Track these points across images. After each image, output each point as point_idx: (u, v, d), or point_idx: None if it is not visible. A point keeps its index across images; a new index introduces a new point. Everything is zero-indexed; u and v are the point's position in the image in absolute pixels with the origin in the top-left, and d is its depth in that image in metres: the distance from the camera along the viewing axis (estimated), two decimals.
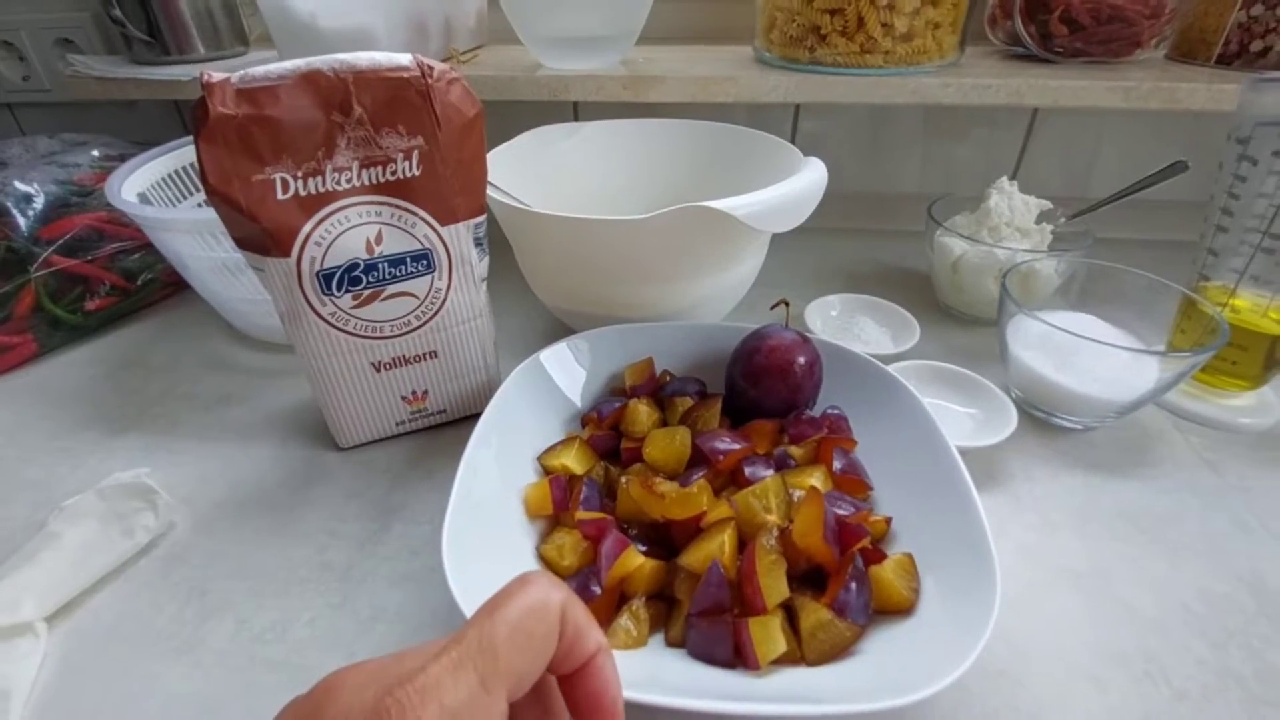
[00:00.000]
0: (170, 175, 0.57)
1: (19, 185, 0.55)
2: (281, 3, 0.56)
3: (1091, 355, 0.40)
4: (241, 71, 0.34)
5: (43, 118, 0.82)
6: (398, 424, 0.45)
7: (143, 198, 0.53)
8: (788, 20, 0.59)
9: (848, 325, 0.52)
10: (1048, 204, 0.56)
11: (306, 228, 0.36)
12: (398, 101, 0.36)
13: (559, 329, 0.55)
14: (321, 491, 0.41)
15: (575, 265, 0.45)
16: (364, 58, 0.36)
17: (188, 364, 0.54)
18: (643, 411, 0.38)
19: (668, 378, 0.42)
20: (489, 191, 0.42)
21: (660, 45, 0.72)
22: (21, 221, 0.54)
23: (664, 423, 0.39)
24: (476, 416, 0.36)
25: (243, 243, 0.37)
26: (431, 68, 0.37)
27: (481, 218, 0.41)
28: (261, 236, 0.36)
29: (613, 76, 0.60)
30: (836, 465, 0.34)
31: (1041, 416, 0.46)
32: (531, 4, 0.59)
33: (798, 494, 0.32)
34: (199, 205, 0.59)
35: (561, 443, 0.38)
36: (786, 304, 0.40)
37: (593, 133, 0.60)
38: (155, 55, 0.68)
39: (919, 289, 0.61)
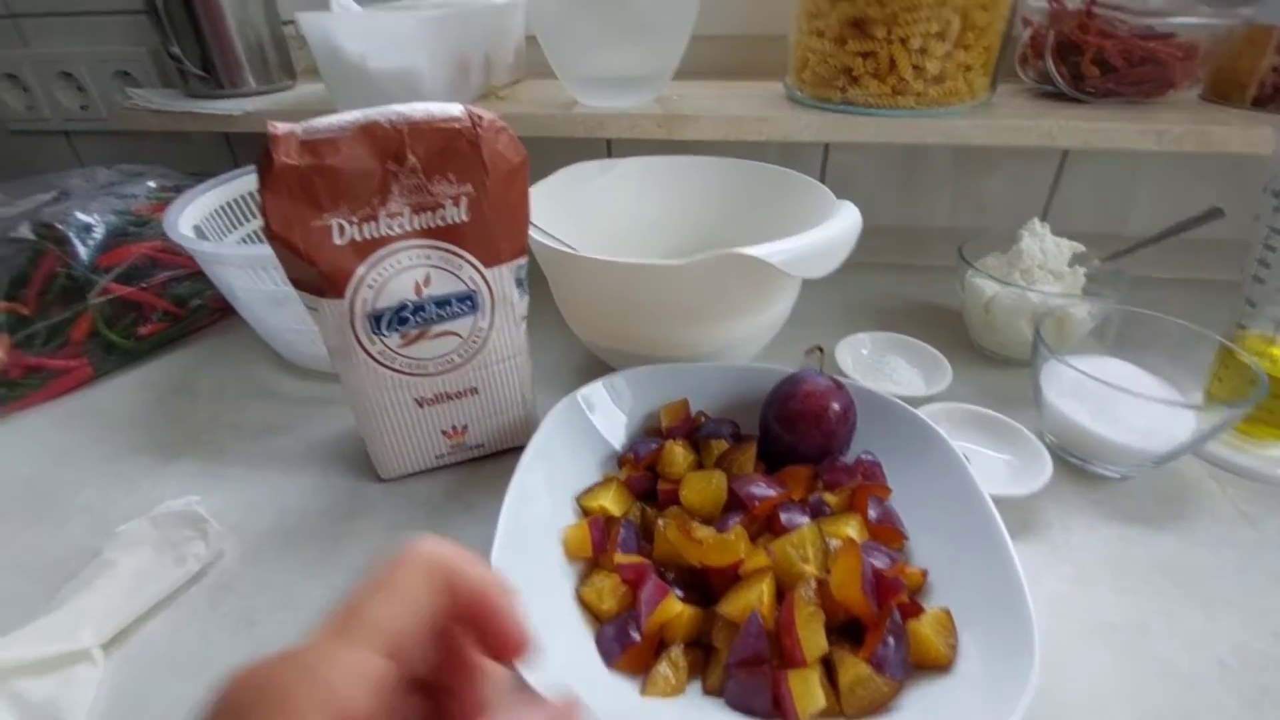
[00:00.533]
0: (222, 207, 0.59)
1: (81, 216, 0.58)
2: (333, 44, 0.59)
3: (1128, 405, 0.40)
4: (305, 124, 0.36)
5: (98, 145, 0.86)
6: (437, 457, 0.46)
7: (198, 230, 0.55)
8: (820, 61, 0.60)
9: (879, 365, 0.53)
10: (1080, 247, 0.56)
11: (360, 271, 0.38)
12: (449, 151, 0.38)
13: (593, 363, 0.56)
14: (364, 523, 0.43)
15: (613, 305, 0.46)
16: (419, 109, 0.38)
17: (234, 391, 0.56)
18: (678, 453, 0.39)
19: (703, 419, 0.43)
20: (530, 232, 0.43)
21: (692, 80, 0.73)
22: (82, 251, 0.57)
23: (699, 465, 0.40)
24: (513, 450, 0.37)
25: (299, 283, 0.38)
26: (481, 117, 0.39)
27: (523, 259, 0.42)
28: (318, 279, 0.37)
29: (648, 115, 0.62)
30: (872, 514, 0.35)
31: (1076, 463, 0.46)
32: (570, 45, 0.61)
33: (834, 543, 0.33)
34: (246, 237, 0.61)
35: (599, 484, 0.39)
36: (820, 350, 0.41)
37: (627, 169, 0.61)
38: (209, 89, 0.71)
39: (950, 327, 0.61)
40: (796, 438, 0.38)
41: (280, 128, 0.35)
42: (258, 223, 0.62)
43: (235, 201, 0.60)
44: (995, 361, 0.57)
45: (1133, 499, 0.44)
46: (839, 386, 0.39)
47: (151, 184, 0.63)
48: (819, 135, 0.60)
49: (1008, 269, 0.55)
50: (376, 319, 0.39)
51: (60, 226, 0.57)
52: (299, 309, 0.40)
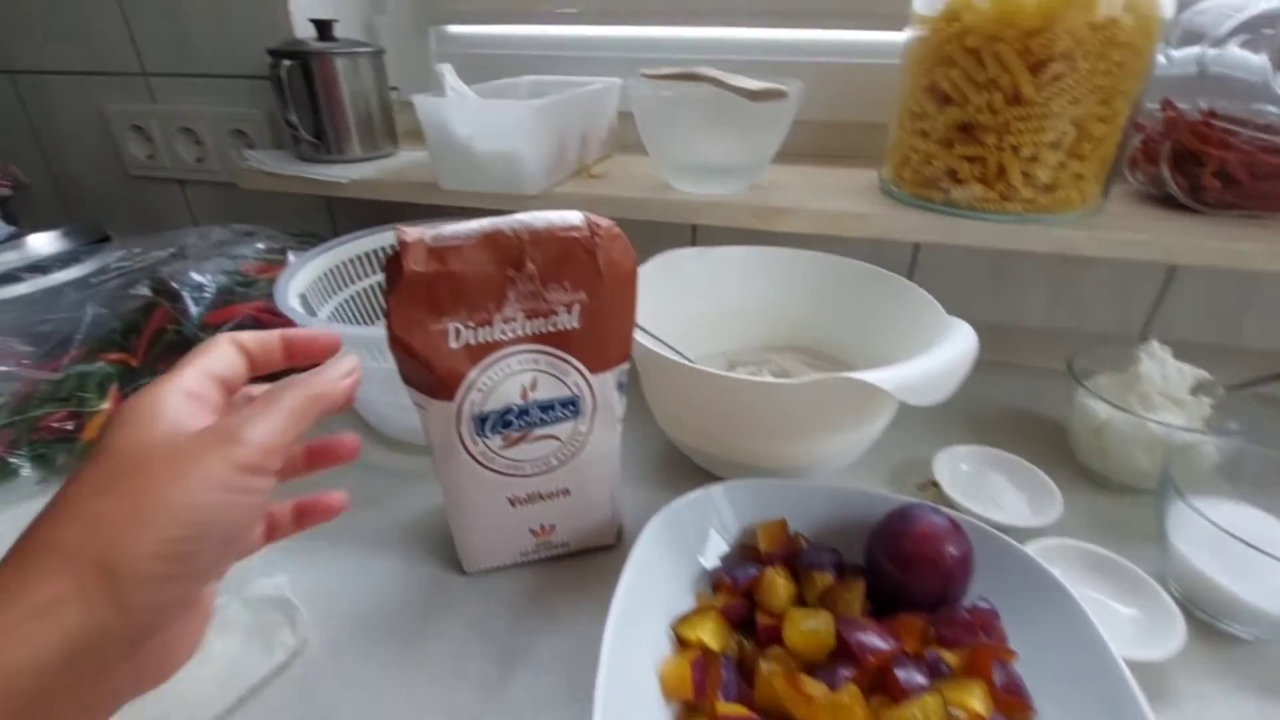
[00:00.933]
0: (324, 274, 0.61)
1: (194, 275, 0.60)
2: (443, 125, 0.61)
3: (1269, 562, 0.37)
4: (433, 230, 0.37)
5: (207, 194, 0.91)
6: (521, 554, 0.45)
7: (303, 298, 0.57)
8: (922, 161, 0.60)
9: (980, 485, 0.50)
10: (1205, 374, 0.52)
11: (472, 374, 0.38)
12: (566, 258, 0.38)
13: (673, 454, 0.55)
14: (446, 621, 0.42)
15: (710, 413, 0.45)
16: (540, 218, 0.38)
17: None
18: (780, 584, 0.37)
19: (801, 542, 0.41)
20: (635, 334, 0.43)
21: (782, 165, 0.73)
22: (193, 308, 0.59)
23: (800, 597, 0.38)
24: (595, 550, 0.38)
25: (411, 381, 0.39)
26: (599, 225, 0.39)
27: (627, 364, 0.42)
28: (431, 381, 0.37)
29: (743, 205, 0.62)
30: (996, 680, 0.32)
31: (1206, 620, 0.42)
32: (671, 134, 0.62)
33: (958, 714, 0.30)
34: (342, 304, 0.63)
35: (697, 612, 0.37)
36: (935, 484, 0.39)
37: (721, 257, 0.61)
38: (317, 154, 0.74)
39: (1052, 441, 0.58)
40: (909, 581, 0.36)
41: (410, 234, 0.36)
42: (353, 289, 0.64)
43: (335, 269, 0.62)
44: (1105, 487, 0.53)
45: (1272, 666, 0.40)
46: (957, 528, 0.37)
47: (260, 245, 0.66)
48: (920, 236, 0.59)
49: (1123, 392, 0.52)
50: (482, 421, 0.39)
51: (175, 284, 0.60)
52: (398, 386, 0.40)
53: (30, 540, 0.22)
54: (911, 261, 0.74)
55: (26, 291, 0.59)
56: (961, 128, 0.56)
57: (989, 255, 0.72)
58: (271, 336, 0.29)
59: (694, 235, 0.77)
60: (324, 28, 0.70)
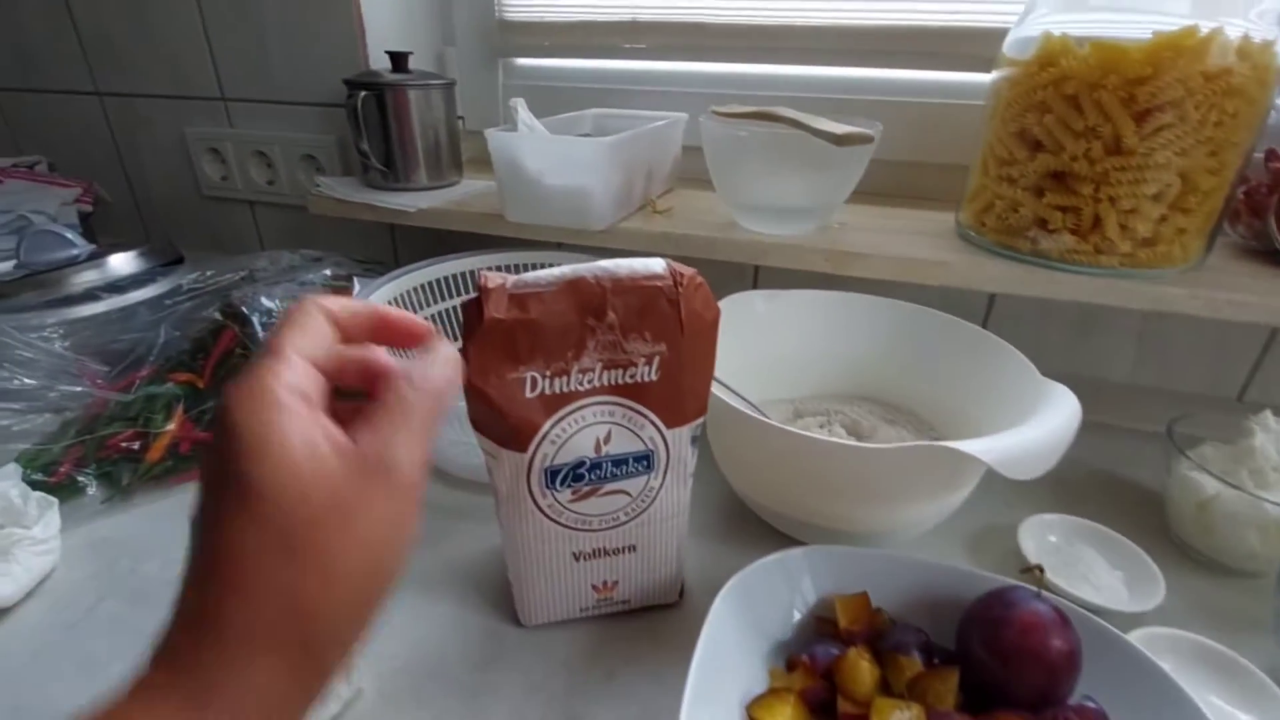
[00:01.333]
0: (389, 302, 0.61)
1: (264, 301, 0.61)
2: (514, 159, 0.61)
3: None
4: (515, 277, 0.36)
5: (275, 216, 0.93)
6: (581, 609, 0.43)
7: None
8: (1008, 208, 0.57)
9: (1071, 560, 0.47)
10: None
11: (546, 426, 0.36)
12: (648, 309, 0.36)
13: (738, 507, 0.53)
14: (503, 676, 0.40)
15: (782, 470, 0.43)
16: (623, 266, 0.37)
17: None
18: (864, 669, 0.35)
19: (884, 619, 0.38)
20: (715, 389, 0.41)
21: (853, 204, 0.71)
22: (260, 333, 0.60)
23: (885, 682, 0.35)
24: (655, 608, 0.38)
25: (482, 429, 0.37)
26: (682, 274, 0.37)
27: (703, 418, 0.40)
28: (504, 431, 0.36)
29: (814, 248, 0.60)
30: None
31: None
32: (741, 174, 0.60)
33: None
34: None
35: (773, 693, 0.35)
36: (1040, 570, 0.36)
37: (791, 301, 0.59)
38: (385, 181, 0.75)
39: (1143, 511, 0.54)
40: (1010, 676, 0.33)
41: (492, 280, 0.35)
42: (419, 316, 0.64)
43: (398, 299, 0.62)
44: (1208, 567, 0.49)
45: None
46: (1064, 620, 0.34)
47: (327, 272, 0.67)
48: (1006, 287, 0.56)
49: (1232, 466, 0.48)
50: (553, 474, 0.37)
51: (244, 308, 0.60)
52: (462, 421, 0.38)
53: (222, 620, 0.20)
54: (987, 308, 0.70)
55: (104, 310, 0.61)
56: (1054, 176, 0.53)
57: (1072, 305, 0.69)
58: (362, 309, 0.27)
59: (755, 276, 0.75)
60: (399, 60, 0.71)
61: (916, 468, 0.38)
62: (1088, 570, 0.46)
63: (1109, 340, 0.69)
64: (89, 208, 0.91)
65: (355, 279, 0.67)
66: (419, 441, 0.24)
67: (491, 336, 0.35)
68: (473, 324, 0.35)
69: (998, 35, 0.60)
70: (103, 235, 0.98)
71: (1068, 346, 0.70)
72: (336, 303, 0.26)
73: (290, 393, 0.22)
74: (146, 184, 0.99)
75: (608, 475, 0.38)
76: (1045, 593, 0.35)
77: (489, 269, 0.68)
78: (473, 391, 0.35)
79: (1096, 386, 0.69)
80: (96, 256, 0.69)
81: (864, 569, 0.40)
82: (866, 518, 0.43)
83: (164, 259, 0.71)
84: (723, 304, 0.56)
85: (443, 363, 0.27)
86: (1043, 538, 0.49)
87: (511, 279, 0.36)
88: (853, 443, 0.38)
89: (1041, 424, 0.38)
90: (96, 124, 0.96)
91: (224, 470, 0.21)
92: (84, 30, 0.89)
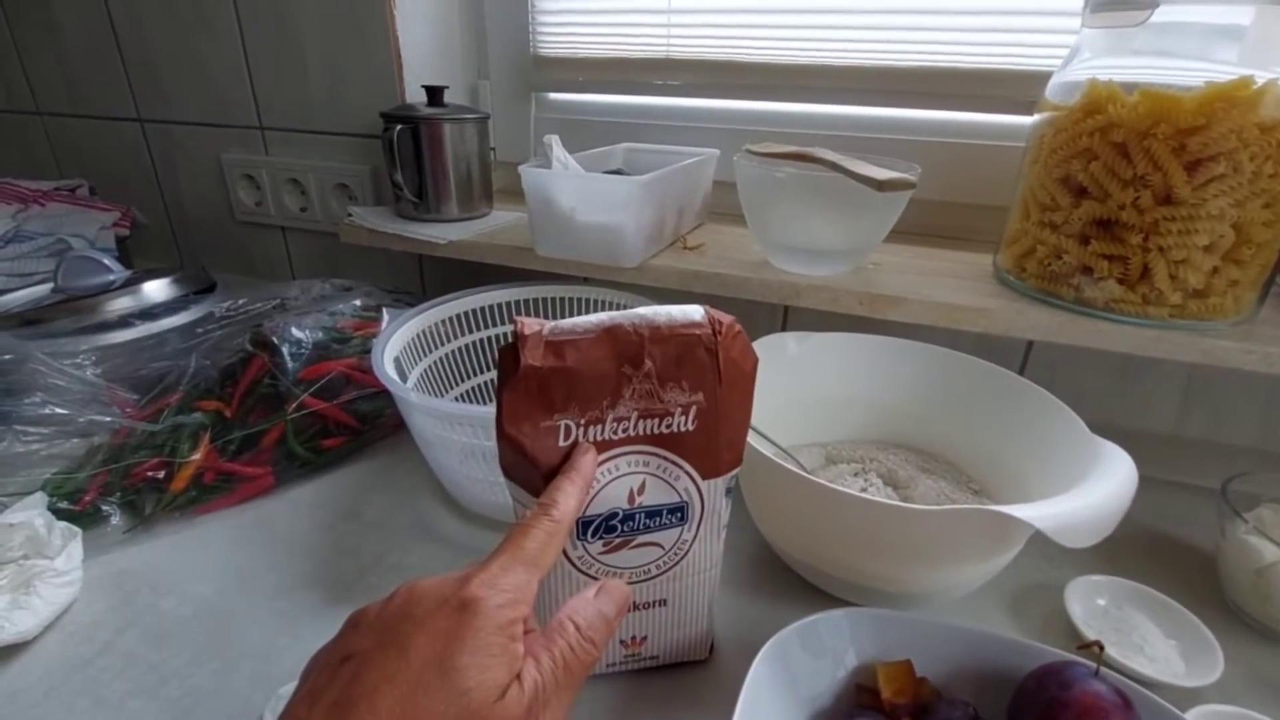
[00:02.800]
0: (416, 337, 0.61)
1: (295, 331, 0.61)
2: (547, 196, 0.61)
3: None
4: (551, 324, 0.35)
5: (306, 242, 0.94)
6: (608, 665, 0.42)
7: (397, 362, 0.56)
8: (1050, 254, 0.55)
9: (1122, 626, 0.44)
10: None
11: None
12: (686, 358, 0.36)
13: (769, 558, 0.51)
14: None
15: (821, 526, 0.42)
16: (662, 313, 0.36)
17: (401, 523, 0.55)
18: None
19: (929, 690, 0.36)
20: (750, 438, 0.40)
21: (885, 243, 0.70)
22: (290, 363, 0.60)
23: None
24: (685, 665, 0.38)
25: (513, 476, 0.37)
26: (721, 322, 0.36)
27: (738, 469, 0.39)
28: (536, 480, 0.35)
29: (849, 290, 0.59)
30: None
31: None
32: (777, 216, 0.60)
33: None
34: (431, 366, 0.63)
35: None
36: (1101, 647, 0.34)
37: (824, 343, 0.58)
38: (417, 212, 0.75)
39: (1195, 571, 0.51)
40: None
41: (529, 327, 0.34)
42: (441, 351, 0.64)
43: (425, 332, 0.62)
44: (1267, 637, 0.46)
45: None
46: (1127, 703, 0.31)
47: (357, 302, 0.67)
48: (1048, 335, 0.54)
49: None
50: (585, 525, 0.36)
51: (274, 339, 0.60)
52: (489, 460, 0.38)
53: None
54: (1025, 353, 0.68)
55: (136, 336, 0.61)
56: (1100, 223, 0.52)
57: (1116, 353, 0.67)
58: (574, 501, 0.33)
59: (785, 316, 0.74)
60: (435, 94, 0.72)
61: (964, 531, 0.37)
62: (1141, 640, 0.43)
63: (1153, 390, 0.66)
64: (126, 231, 0.93)
65: (384, 309, 0.67)
66: (567, 705, 0.26)
67: (527, 384, 0.34)
68: (508, 370, 0.34)
69: (1037, 79, 0.59)
70: (139, 258, 1.00)
71: (1109, 395, 0.68)
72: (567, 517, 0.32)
73: (518, 640, 0.25)
74: (182, 208, 1.01)
75: (640, 527, 0.37)
76: (1104, 669, 0.33)
77: (516, 301, 0.68)
78: (506, 440, 0.34)
79: (1140, 438, 0.66)
80: (132, 283, 0.69)
81: (908, 635, 0.38)
82: (908, 578, 0.41)
83: (197, 286, 0.72)
84: (754, 345, 0.56)
85: (615, 609, 0.30)
86: (1091, 601, 0.47)
87: (549, 325, 0.35)
88: (899, 503, 0.37)
89: (1097, 488, 0.36)
90: (137, 149, 0.98)
91: (429, 658, 0.23)
92: (129, 58, 0.92)
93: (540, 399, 0.34)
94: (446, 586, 0.25)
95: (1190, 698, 0.40)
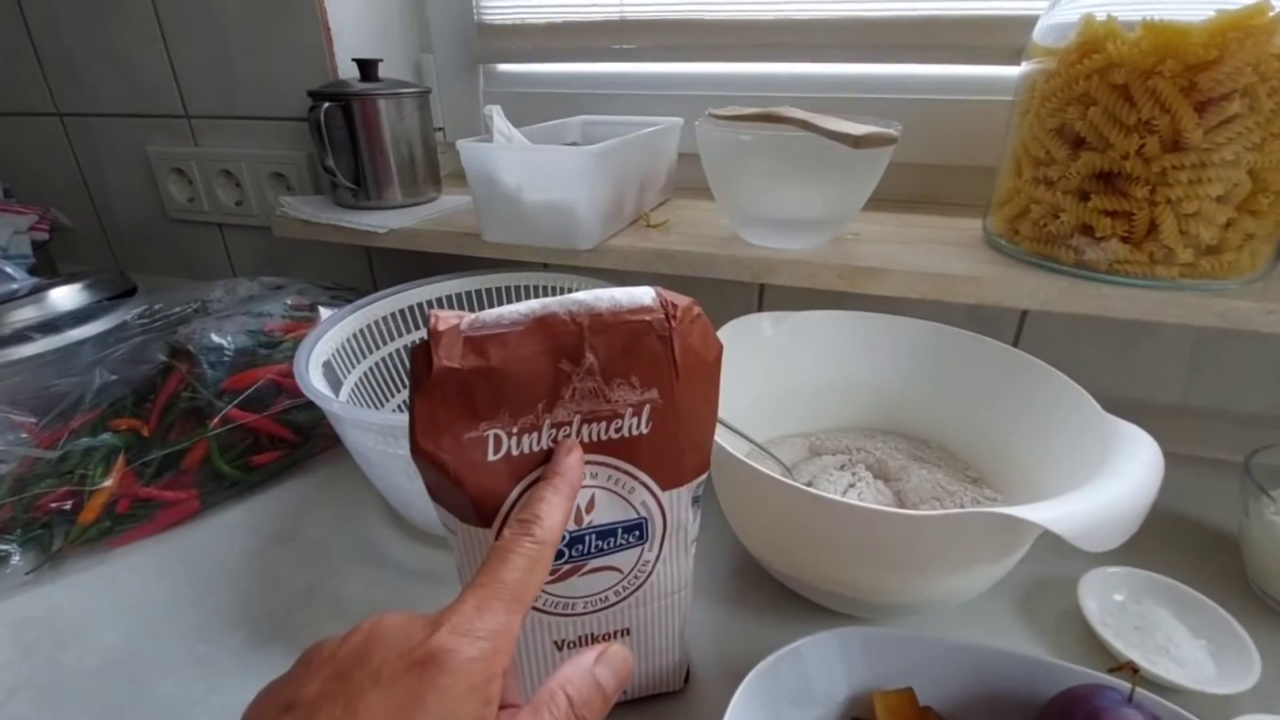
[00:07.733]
0: (351, 338, 0.55)
1: (214, 337, 0.55)
2: (490, 174, 0.55)
3: None
4: (473, 317, 0.29)
5: (246, 238, 0.87)
6: None
7: (327, 366, 0.50)
8: (1047, 214, 0.50)
9: (1145, 625, 0.40)
10: None
11: (513, 495, 0.30)
12: (635, 348, 0.30)
13: (749, 564, 0.46)
14: None
15: (808, 535, 0.36)
16: (604, 298, 0.30)
17: (340, 547, 0.50)
18: None
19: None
20: (720, 435, 0.35)
21: (868, 213, 0.64)
22: (209, 373, 0.54)
23: None
24: (657, 698, 0.33)
25: (439, 498, 0.31)
26: (675, 307, 0.31)
27: (705, 475, 0.34)
28: (463, 503, 0.30)
29: (827, 264, 0.53)
30: None
31: None
32: (746, 184, 0.54)
33: None
34: (371, 368, 0.57)
35: None
36: (1135, 670, 0.29)
37: (802, 323, 0.52)
38: (356, 200, 0.69)
39: (1217, 554, 0.47)
40: None
41: (443, 321, 0.29)
42: (382, 353, 0.58)
43: (365, 330, 0.56)
44: None
45: None
46: None
47: (288, 301, 0.61)
48: (1047, 304, 0.49)
49: None
50: None
51: (190, 347, 0.54)
52: None
53: None
54: (1019, 323, 0.64)
55: (37, 352, 0.55)
56: (1101, 176, 0.47)
57: (1114, 321, 0.62)
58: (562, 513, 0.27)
59: (761, 295, 0.69)
60: (367, 68, 0.66)
61: (968, 535, 0.32)
62: (1166, 640, 0.39)
63: (1156, 357, 0.62)
64: (46, 235, 0.85)
65: (320, 308, 0.60)
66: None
67: (444, 389, 0.28)
68: (421, 374, 0.28)
69: (1023, 23, 0.53)
70: (66, 264, 0.93)
71: (1110, 364, 0.63)
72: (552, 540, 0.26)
73: (493, 703, 0.21)
74: (111, 208, 0.93)
75: (591, 550, 0.32)
76: (1140, 691, 0.28)
77: (465, 293, 0.62)
78: (422, 456, 0.29)
79: (1147, 410, 0.62)
80: (38, 290, 0.63)
81: (907, 656, 0.33)
82: (905, 588, 0.36)
83: (113, 290, 0.65)
84: (726, 329, 0.50)
85: (615, 683, 0.25)
86: (1107, 596, 0.42)
87: (468, 318, 0.29)
88: (895, 509, 0.32)
89: (1118, 481, 0.31)
90: (57, 145, 0.91)
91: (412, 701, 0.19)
92: (43, 49, 0.84)
93: (461, 406, 0.29)
94: (414, 632, 0.21)
95: (1227, 707, 0.35)
